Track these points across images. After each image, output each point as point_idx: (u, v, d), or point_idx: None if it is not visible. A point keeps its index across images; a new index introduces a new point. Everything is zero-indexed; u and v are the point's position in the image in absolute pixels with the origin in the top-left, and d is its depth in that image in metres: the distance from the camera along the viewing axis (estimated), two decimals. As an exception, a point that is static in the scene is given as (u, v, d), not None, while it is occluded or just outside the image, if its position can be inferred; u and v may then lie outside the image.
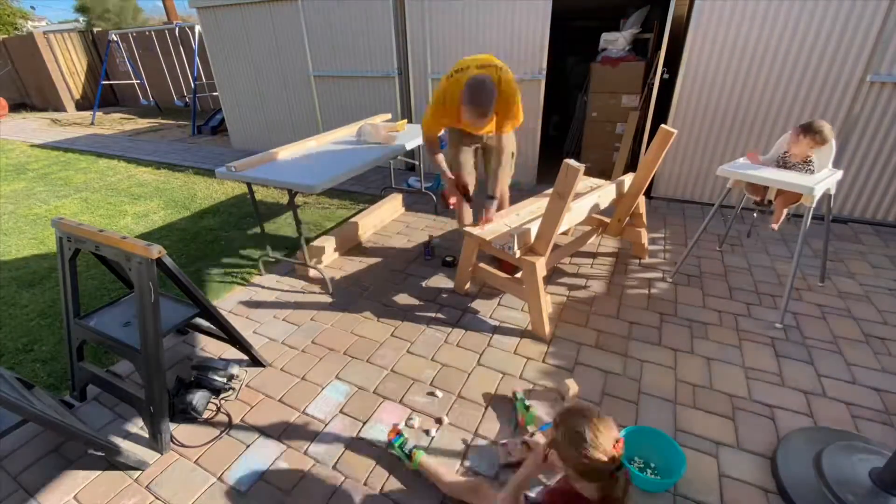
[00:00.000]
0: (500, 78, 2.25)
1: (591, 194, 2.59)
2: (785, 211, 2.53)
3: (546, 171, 4.45)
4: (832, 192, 2.45)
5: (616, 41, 4.29)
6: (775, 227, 2.53)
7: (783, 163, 2.50)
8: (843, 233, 3.34)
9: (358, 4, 4.56)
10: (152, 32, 9.67)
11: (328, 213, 4.08)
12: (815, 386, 1.97)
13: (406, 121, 3.69)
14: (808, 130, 2.34)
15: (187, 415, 1.86)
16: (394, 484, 1.60)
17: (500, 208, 2.68)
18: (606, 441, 1.05)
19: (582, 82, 5.03)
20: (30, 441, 1.82)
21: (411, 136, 3.31)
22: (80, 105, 11.60)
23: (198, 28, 7.71)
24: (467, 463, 1.67)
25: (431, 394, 1.99)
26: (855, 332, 2.29)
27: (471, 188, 2.73)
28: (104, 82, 9.97)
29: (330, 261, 3.18)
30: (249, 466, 1.69)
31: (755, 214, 2.73)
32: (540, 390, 1.99)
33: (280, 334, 2.44)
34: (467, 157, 2.73)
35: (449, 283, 2.82)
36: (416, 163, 4.47)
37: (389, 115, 4.10)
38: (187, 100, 8.81)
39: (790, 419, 1.80)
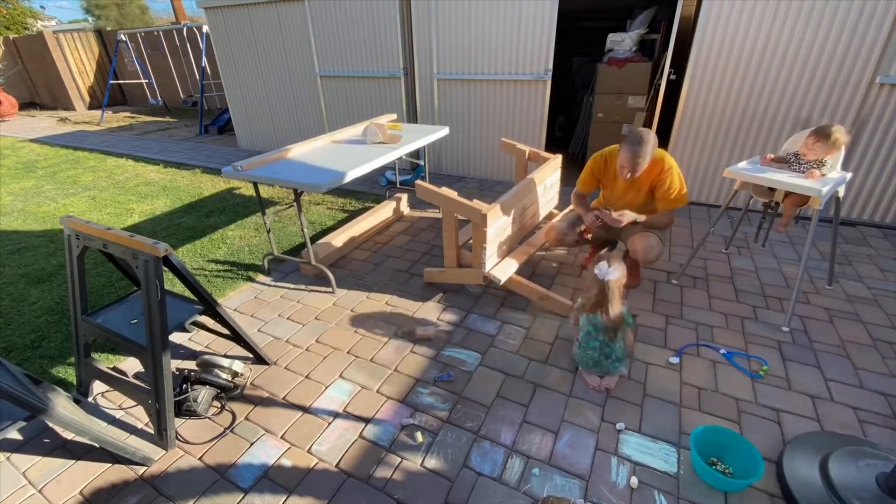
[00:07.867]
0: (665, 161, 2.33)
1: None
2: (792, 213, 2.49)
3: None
4: (841, 194, 2.43)
5: (622, 42, 4.28)
6: (782, 229, 2.51)
7: (795, 162, 2.44)
8: (852, 236, 3.31)
9: (364, 5, 4.58)
10: (160, 32, 9.74)
11: (333, 213, 4.09)
12: (821, 390, 1.95)
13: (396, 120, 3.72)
14: (821, 135, 2.25)
15: (192, 412, 1.88)
16: (397, 482, 1.61)
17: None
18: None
19: (588, 83, 5.01)
20: (37, 436, 1.84)
21: (416, 136, 3.32)
22: (89, 104, 11.72)
23: (205, 28, 7.78)
24: (471, 463, 1.67)
25: (434, 394, 1.99)
26: (863, 336, 2.27)
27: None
28: (113, 82, 10.05)
29: (335, 260, 3.19)
30: (253, 464, 1.70)
31: (763, 217, 2.71)
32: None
33: (284, 333, 2.45)
34: None
35: (452, 283, 2.81)
36: (421, 162, 4.47)
37: (395, 115, 4.11)
38: (195, 99, 8.87)
39: (796, 423, 1.79)
